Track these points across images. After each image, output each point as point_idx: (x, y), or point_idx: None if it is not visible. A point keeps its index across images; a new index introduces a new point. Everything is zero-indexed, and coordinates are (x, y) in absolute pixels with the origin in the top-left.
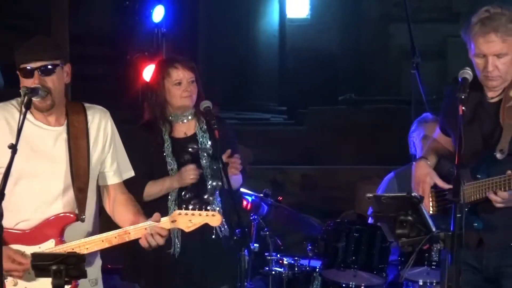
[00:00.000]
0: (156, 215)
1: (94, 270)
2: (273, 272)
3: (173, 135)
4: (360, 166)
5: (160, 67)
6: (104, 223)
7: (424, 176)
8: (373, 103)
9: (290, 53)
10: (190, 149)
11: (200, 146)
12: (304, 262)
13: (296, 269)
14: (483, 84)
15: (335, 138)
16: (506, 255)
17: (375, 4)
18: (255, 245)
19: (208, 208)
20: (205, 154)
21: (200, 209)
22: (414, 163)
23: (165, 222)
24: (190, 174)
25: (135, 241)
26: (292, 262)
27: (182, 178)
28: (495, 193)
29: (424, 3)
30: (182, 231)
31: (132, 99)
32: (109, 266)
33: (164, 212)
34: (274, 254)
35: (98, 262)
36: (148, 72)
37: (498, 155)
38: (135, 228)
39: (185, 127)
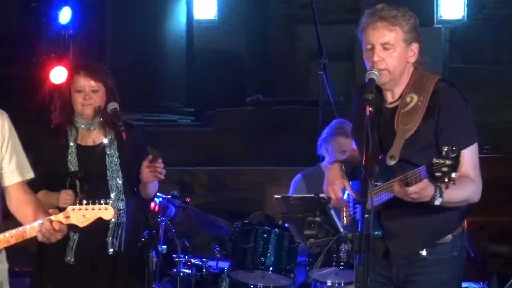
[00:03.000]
0: (52, 211)
1: None
2: (181, 274)
3: (79, 142)
4: (268, 167)
5: (69, 71)
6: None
7: (335, 179)
8: (280, 104)
9: (197, 54)
10: (80, 174)
11: (107, 158)
12: (212, 263)
13: (204, 270)
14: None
15: (243, 139)
16: (414, 264)
17: (282, 5)
18: (163, 246)
19: (102, 202)
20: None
21: (93, 204)
22: (328, 165)
23: (59, 219)
24: (66, 199)
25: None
26: (200, 263)
27: (60, 200)
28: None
29: (332, 4)
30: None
31: (39, 101)
32: (17, 269)
33: None
34: (182, 255)
35: (3, 265)
36: (55, 74)
37: (390, 162)
38: (31, 227)
39: (94, 134)
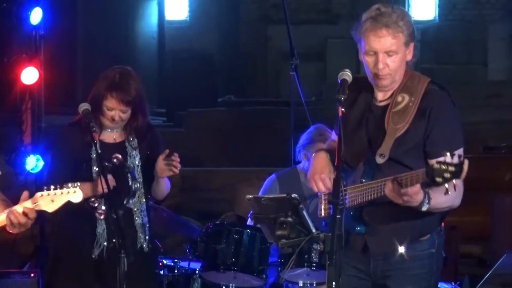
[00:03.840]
0: (23, 194)
1: None
2: None
3: (102, 139)
4: (239, 168)
5: (104, 84)
6: None
7: (323, 167)
8: (252, 104)
9: (169, 55)
10: (114, 160)
11: (129, 158)
12: (184, 264)
13: (176, 271)
14: (373, 84)
15: (215, 140)
16: (391, 259)
17: (254, 6)
18: None
19: (69, 185)
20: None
21: (61, 188)
22: (313, 154)
23: (26, 205)
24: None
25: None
26: (172, 264)
27: (98, 188)
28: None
29: (303, 5)
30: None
31: (10, 102)
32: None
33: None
34: None
35: None
36: (26, 75)
37: (378, 160)
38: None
39: (115, 134)
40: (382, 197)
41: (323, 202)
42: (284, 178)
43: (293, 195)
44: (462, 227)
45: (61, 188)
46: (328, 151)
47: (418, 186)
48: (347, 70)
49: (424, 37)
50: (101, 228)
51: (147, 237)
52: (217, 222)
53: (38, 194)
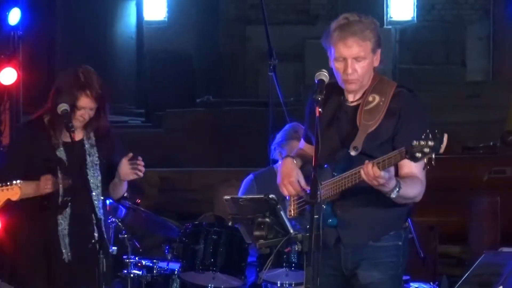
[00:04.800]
0: None
1: None
2: (132, 275)
3: (64, 139)
4: (218, 169)
5: (75, 84)
6: None
7: (291, 171)
8: (231, 105)
9: (147, 55)
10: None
11: (88, 156)
12: (163, 264)
13: (154, 271)
14: (343, 88)
15: (193, 140)
16: (360, 251)
17: (232, 6)
18: (113, 248)
19: (8, 183)
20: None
21: (5, 185)
22: (279, 161)
23: None
24: (46, 184)
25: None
26: (151, 264)
27: (41, 186)
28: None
29: (282, 5)
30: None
31: None
32: None
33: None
34: (132, 257)
35: None
36: (4, 75)
37: (352, 152)
38: None
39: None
40: (354, 186)
41: (292, 203)
42: (262, 178)
43: (270, 196)
44: (440, 227)
45: (0, 186)
46: (295, 157)
47: (392, 171)
48: (324, 70)
49: (402, 38)
50: (63, 227)
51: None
52: (196, 222)
53: None
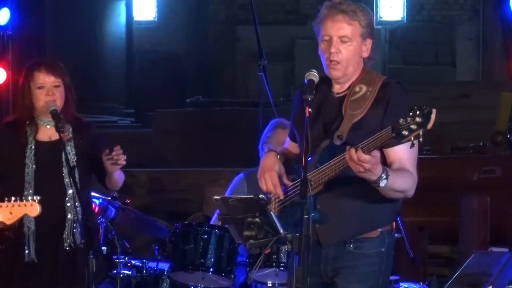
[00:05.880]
0: None
1: None
2: (121, 275)
3: (37, 138)
4: (208, 169)
5: (26, 69)
6: None
7: (272, 165)
8: (220, 105)
9: (137, 55)
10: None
11: (63, 155)
12: (152, 264)
13: (144, 271)
14: (327, 75)
15: (183, 140)
16: (341, 257)
17: (222, 6)
18: (103, 248)
19: (29, 198)
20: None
21: (20, 200)
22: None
23: None
24: None
25: None
26: (140, 264)
27: None
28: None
29: (271, 6)
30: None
31: None
32: None
33: None
34: (122, 257)
35: None
36: None
37: (337, 142)
38: None
39: (50, 131)
40: (339, 176)
41: (273, 201)
42: (253, 177)
43: (260, 196)
44: (430, 227)
45: (20, 200)
46: (279, 153)
47: (377, 156)
48: (314, 70)
49: (392, 38)
50: (30, 225)
51: (78, 235)
52: (186, 222)
53: None
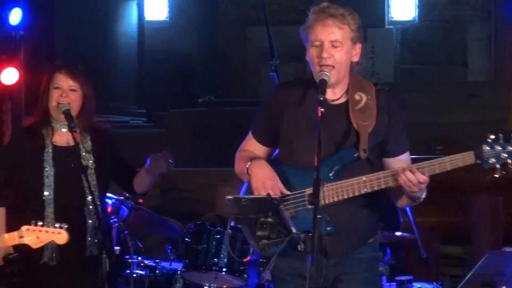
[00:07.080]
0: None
1: None
2: (134, 275)
3: (55, 142)
4: (220, 169)
5: (49, 70)
6: None
7: (271, 174)
8: (232, 105)
9: (149, 55)
10: (72, 165)
11: (82, 160)
12: (165, 264)
13: (157, 271)
14: (317, 79)
15: (195, 140)
16: (342, 264)
17: (233, 7)
18: (115, 248)
19: (56, 225)
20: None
21: (48, 226)
22: (249, 163)
23: (11, 237)
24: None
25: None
26: (153, 264)
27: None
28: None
29: (283, 6)
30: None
31: None
32: None
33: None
34: (135, 257)
35: None
36: (6, 75)
37: (363, 155)
38: None
39: (68, 135)
40: (371, 192)
41: None
42: None
43: (273, 196)
44: (442, 228)
45: (48, 226)
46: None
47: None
48: (326, 70)
49: (403, 38)
50: None
51: (95, 240)
52: (198, 222)
53: (24, 228)
